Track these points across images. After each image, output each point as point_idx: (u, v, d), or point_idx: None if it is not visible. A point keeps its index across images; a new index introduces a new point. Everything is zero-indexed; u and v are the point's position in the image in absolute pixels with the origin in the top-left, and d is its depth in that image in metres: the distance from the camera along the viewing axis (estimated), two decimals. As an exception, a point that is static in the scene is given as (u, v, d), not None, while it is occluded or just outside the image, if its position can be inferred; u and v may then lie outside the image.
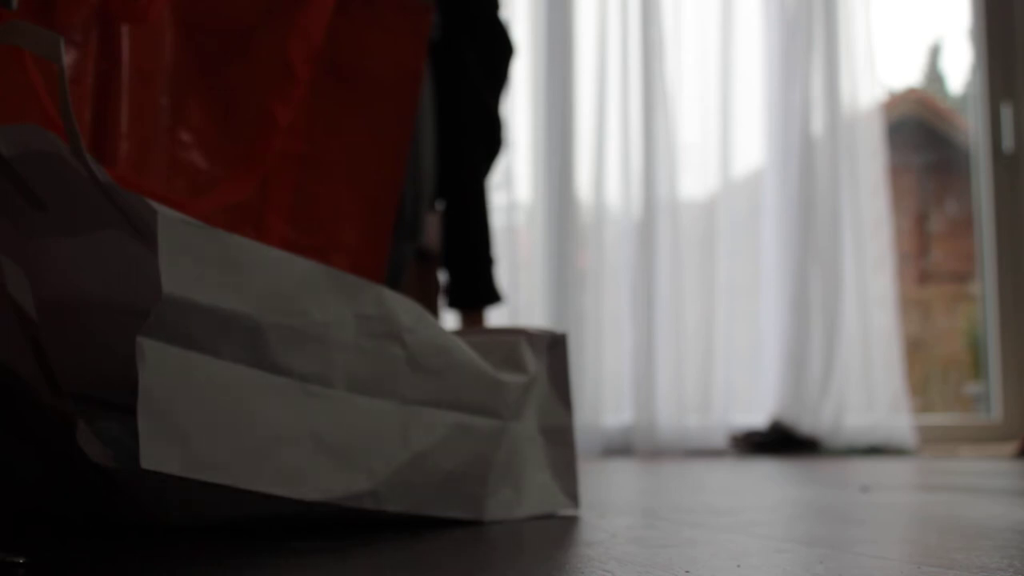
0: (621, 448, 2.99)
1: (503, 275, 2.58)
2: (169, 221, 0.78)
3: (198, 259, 0.79)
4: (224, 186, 1.16)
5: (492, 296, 2.37)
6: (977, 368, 3.38)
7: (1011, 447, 2.73)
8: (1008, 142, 3.19)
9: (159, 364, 0.77)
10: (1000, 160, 3.20)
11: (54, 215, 0.81)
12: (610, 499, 1.37)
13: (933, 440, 3.04)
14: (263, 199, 1.21)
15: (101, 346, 0.81)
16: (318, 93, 1.24)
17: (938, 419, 3.26)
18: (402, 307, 0.94)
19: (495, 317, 2.51)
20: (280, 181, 1.23)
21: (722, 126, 3.11)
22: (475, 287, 2.35)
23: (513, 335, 1.10)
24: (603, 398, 3.03)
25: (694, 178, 3.12)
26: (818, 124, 3.08)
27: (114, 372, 0.79)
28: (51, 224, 0.81)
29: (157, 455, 0.76)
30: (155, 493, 0.81)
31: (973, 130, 3.34)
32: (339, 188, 1.27)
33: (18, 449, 0.86)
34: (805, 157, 3.06)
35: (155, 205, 0.78)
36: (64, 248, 0.81)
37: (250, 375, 0.82)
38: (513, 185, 3.15)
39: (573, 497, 1.14)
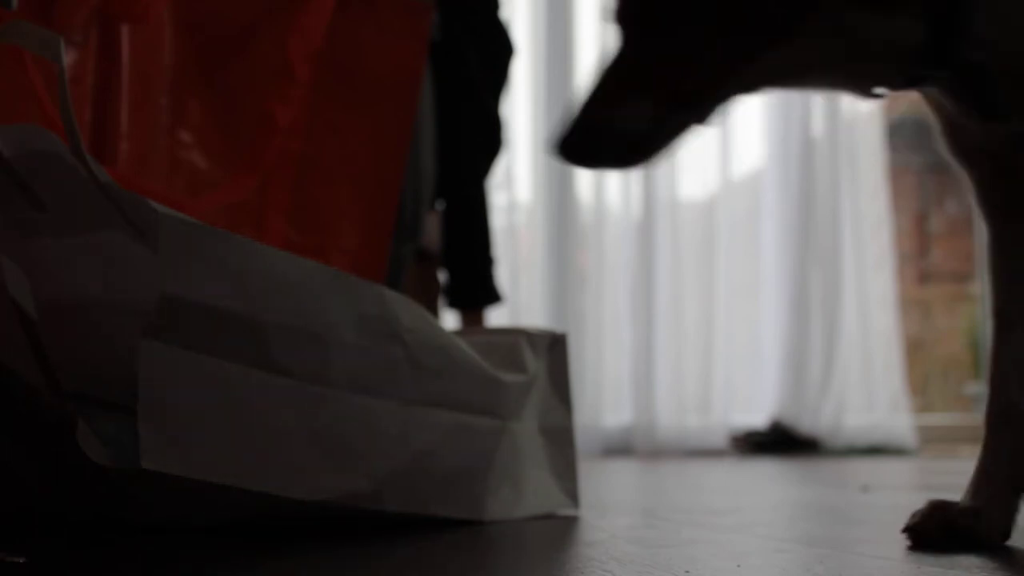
0: (621, 448, 2.98)
1: (503, 275, 2.58)
2: (170, 221, 0.78)
3: (198, 259, 0.79)
4: (224, 186, 1.16)
5: (492, 296, 2.37)
6: (977, 368, 3.38)
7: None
8: (1008, 142, 3.19)
9: (159, 364, 0.77)
10: (1000, 160, 3.19)
11: (54, 215, 0.81)
12: (610, 499, 1.37)
13: (933, 440, 3.04)
14: (263, 199, 1.21)
15: (101, 346, 0.81)
16: (318, 93, 1.24)
17: (938, 419, 3.26)
18: (402, 307, 0.94)
19: (495, 317, 2.50)
20: (280, 181, 1.23)
21: (722, 126, 3.11)
22: (475, 287, 2.35)
23: (513, 335, 1.10)
24: (603, 398, 3.03)
25: (694, 178, 3.12)
26: (818, 124, 3.08)
27: (114, 372, 0.79)
28: (51, 224, 0.81)
29: (157, 455, 0.76)
30: (155, 493, 0.81)
31: (973, 130, 3.33)
32: (339, 188, 1.27)
33: (15, 449, 0.86)
34: (805, 157, 3.06)
35: (156, 206, 0.78)
36: (64, 248, 0.81)
37: (250, 375, 0.82)
38: (513, 185, 3.15)
39: (573, 497, 1.14)
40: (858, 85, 0.80)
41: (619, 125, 0.76)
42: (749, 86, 0.77)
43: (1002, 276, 0.87)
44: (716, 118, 0.78)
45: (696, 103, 0.76)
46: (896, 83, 0.78)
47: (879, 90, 0.79)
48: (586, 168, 0.85)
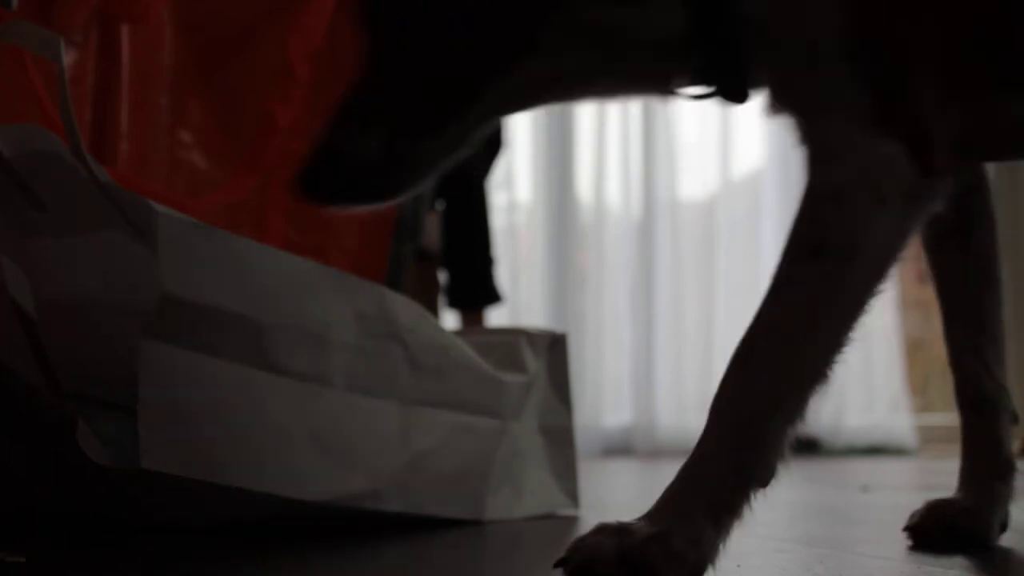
0: (621, 448, 2.98)
1: (503, 275, 2.58)
2: (170, 221, 0.78)
3: (198, 259, 0.79)
4: (224, 186, 1.16)
5: (492, 296, 2.37)
6: (977, 368, 3.37)
7: (1011, 447, 2.73)
8: (1008, 142, 3.19)
9: (159, 364, 0.76)
10: (1000, 160, 3.20)
11: (54, 215, 0.81)
12: (610, 499, 1.37)
13: (933, 440, 3.04)
14: (263, 199, 1.21)
15: (101, 346, 0.81)
16: (318, 93, 1.24)
17: (938, 419, 3.26)
18: (402, 307, 0.94)
19: (495, 317, 2.51)
20: (280, 181, 1.23)
21: (722, 126, 3.11)
22: (475, 287, 2.35)
23: (513, 335, 1.10)
24: (603, 398, 3.03)
25: (694, 178, 3.12)
26: (818, 124, 3.08)
27: (114, 372, 0.79)
28: (51, 224, 0.81)
29: (157, 455, 0.76)
30: (154, 493, 0.81)
31: (973, 130, 3.33)
32: (339, 188, 1.26)
33: (15, 449, 0.86)
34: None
35: (156, 206, 0.78)
36: (64, 248, 0.81)
37: (250, 375, 0.82)
38: (513, 185, 3.15)
39: (573, 497, 1.14)
40: (644, 88, 0.72)
41: (358, 157, 0.66)
42: (509, 106, 0.69)
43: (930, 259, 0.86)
44: (475, 144, 0.69)
45: (443, 130, 0.67)
46: (685, 79, 0.69)
47: (683, 90, 0.70)
48: (330, 207, 0.70)
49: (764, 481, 0.66)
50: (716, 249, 3.08)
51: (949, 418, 3.47)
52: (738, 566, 0.74)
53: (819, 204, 0.65)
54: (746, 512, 0.65)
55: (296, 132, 1.23)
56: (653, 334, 3.01)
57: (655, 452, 2.94)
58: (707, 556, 0.63)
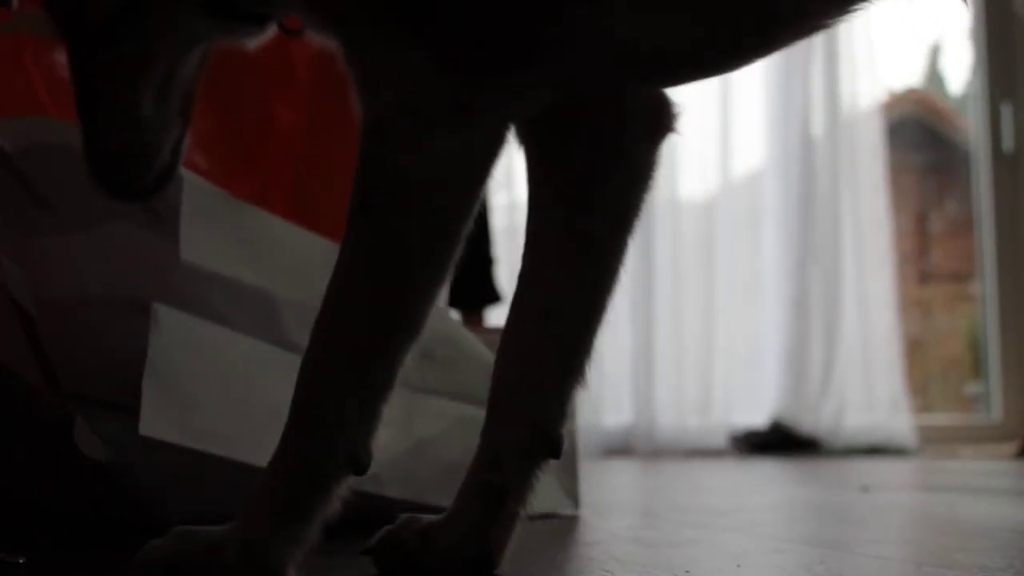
0: (621, 448, 2.98)
1: (503, 275, 2.57)
2: (195, 187, 0.78)
3: (219, 230, 0.79)
4: (224, 186, 1.16)
5: (492, 296, 2.37)
6: (977, 368, 3.38)
7: (1011, 447, 2.73)
8: (1008, 142, 3.19)
9: (171, 330, 0.76)
10: (1000, 160, 3.19)
11: (59, 211, 0.81)
12: (610, 499, 1.37)
13: (933, 440, 3.04)
14: (263, 199, 1.21)
15: (102, 345, 0.81)
16: (318, 93, 1.24)
17: (938, 419, 3.26)
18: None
19: (495, 317, 2.50)
20: (280, 181, 1.23)
21: (722, 126, 3.11)
22: (475, 287, 2.35)
23: (513, 335, 1.09)
24: (603, 398, 3.03)
25: (694, 178, 3.12)
26: (818, 124, 3.08)
27: (114, 372, 0.79)
28: (55, 221, 0.81)
29: (157, 423, 0.75)
30: (154, 492, 0.81)
31: (973, 130, 3.34)
32: (339, 188, 1.26)
33: (15, 449, 0.86)
34: (805, 157, 3.06)
35: (182, 171, 0.77)
36: (67, 246, 0.81)
37: (262, 349, 0.81)
38: (513, 185, 3.14)
39: (573, 497, 1.13)
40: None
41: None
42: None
43: None
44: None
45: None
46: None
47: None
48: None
49: (356, 466, 0.61)
50: (716, 249, 3.07)
51: (949, 418, 3.47)
52: (738, 566, 0.74)
53: (364, 145, 0.57)
54: (332, 506, 0.60)
55: (296, 132, 1.23)
56: (653, 334, 3.01)
57: (655, 452, 2.94)
58: (269, 567, 0.59)
